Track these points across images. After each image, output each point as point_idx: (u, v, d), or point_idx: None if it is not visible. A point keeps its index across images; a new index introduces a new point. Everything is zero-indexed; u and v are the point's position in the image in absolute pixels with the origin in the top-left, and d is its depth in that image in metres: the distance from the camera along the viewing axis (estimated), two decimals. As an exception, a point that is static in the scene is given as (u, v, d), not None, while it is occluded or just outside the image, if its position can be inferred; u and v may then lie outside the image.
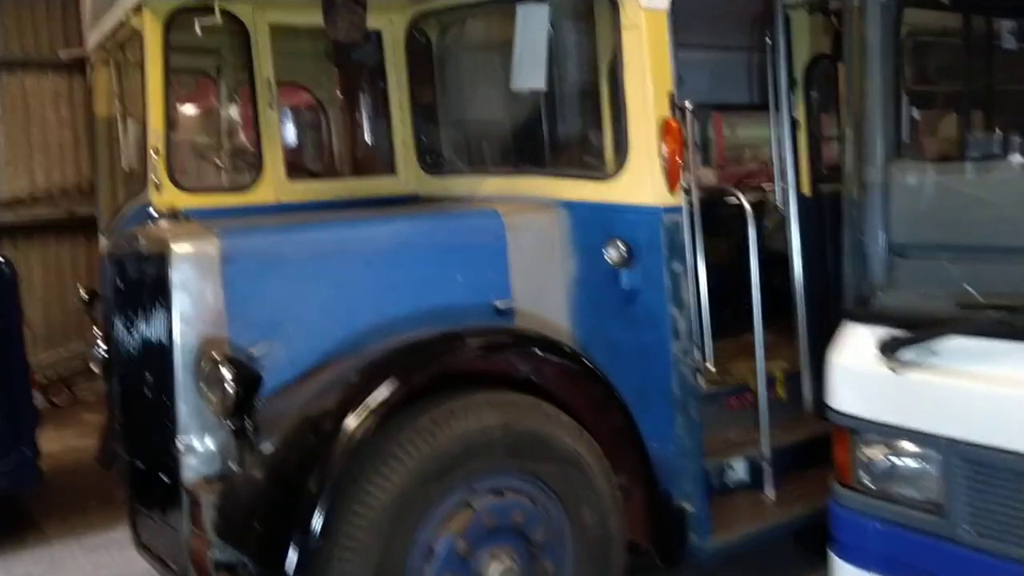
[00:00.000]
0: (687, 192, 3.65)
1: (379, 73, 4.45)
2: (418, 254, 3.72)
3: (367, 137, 4.76)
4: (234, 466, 3.17)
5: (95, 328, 4.76)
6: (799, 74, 4.59)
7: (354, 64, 4.66)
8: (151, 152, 3.86)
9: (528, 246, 3.87)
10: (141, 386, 3.75)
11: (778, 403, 4.41)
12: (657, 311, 3.58)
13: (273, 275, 3.51)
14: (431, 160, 4.45)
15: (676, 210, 3.57)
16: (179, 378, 3.39)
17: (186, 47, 4.53)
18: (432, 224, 3.83)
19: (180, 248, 3.40)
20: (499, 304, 3.82)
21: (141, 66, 3.92)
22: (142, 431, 3.79)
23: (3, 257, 5.92)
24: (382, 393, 3.00)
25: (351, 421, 2.94)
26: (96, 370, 4.34)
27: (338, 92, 4.94)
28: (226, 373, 3.05)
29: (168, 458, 3.52)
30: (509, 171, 4.16)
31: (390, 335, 3.63)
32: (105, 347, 4.33)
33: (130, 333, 3.82)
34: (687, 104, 3.62)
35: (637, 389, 3.60)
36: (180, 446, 3.39)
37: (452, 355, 3.19)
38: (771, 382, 4.36)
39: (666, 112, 3.53)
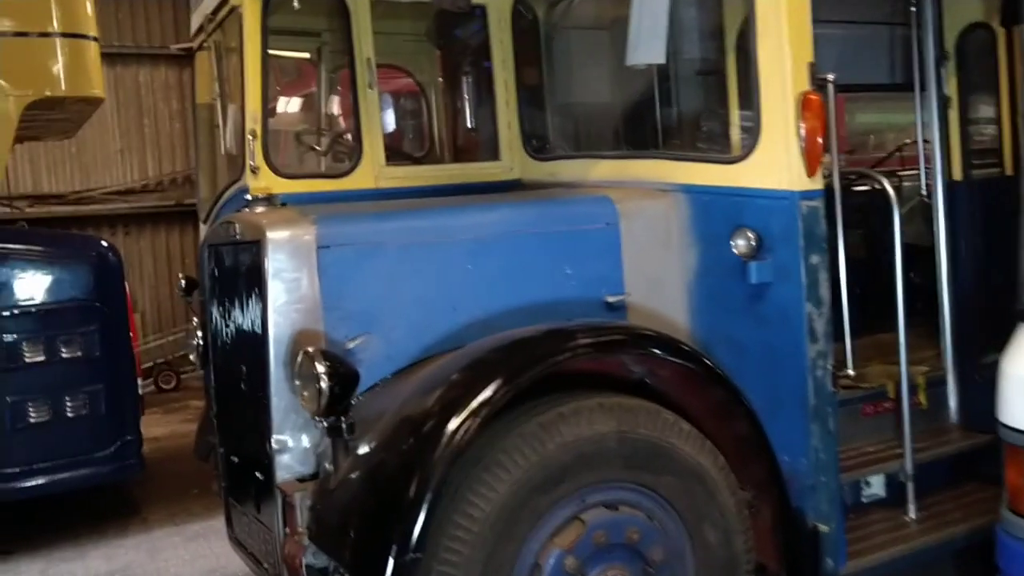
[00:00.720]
0: (826, 176, 3.27)
1: (483, 52, 4.19)
2: (524, 243, 3.45)
3: (469, 120, 4.51)
4: (329, 467, 2.96)
5: (192, 317, 4.67)
6: (951, 46, 4.13)
7: (457, 43, 4.42)
8: (248, 136, 3.70)
9: (643, 235, 3.55)
10: (236, 378, 3.60)
11: (919, 412, 3.99)
12: (791, 308, 3.21)
13: (371, 264, 3.30)
14: (537, 144, 4.16)
15: (815, 195, 3.18)
16: (273, 372, 3.21)
17: (286, 30, 4.38)
18: (539, 211, 3.55)
19: (275, 234, 3.22)
20: (610, 298, 3.52)
21: (240, 47, 3.77)
22: (237, 425, 3.65)
23: (108, 244, 5.93)
24: (485, 394, 2.74)
25: (452, 424, 2.69)
26: (193, 359, 4.23)
27: (440, 74, 4.70)
28: (321, 369, 2.84)
29: (262, 455, 3.35)
30: (621, 155, 3.84)
31: (493, 330, 3.38)
32: (201, 336, 4.21)
33: (225, 323, 3.68)
34: (829, 77, 3.23)
35: (766, 395, 3.24)
36: (274, 444, 3.21)
37: (561, 354, 2.89)
38: (912, 389, 3.94)
39: (806, 85, 3.15)
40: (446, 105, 4.65)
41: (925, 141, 4.26)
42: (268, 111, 3.74)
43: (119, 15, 11.82)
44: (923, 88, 4.18)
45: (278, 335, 3.21)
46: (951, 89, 4.15)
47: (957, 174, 4.09)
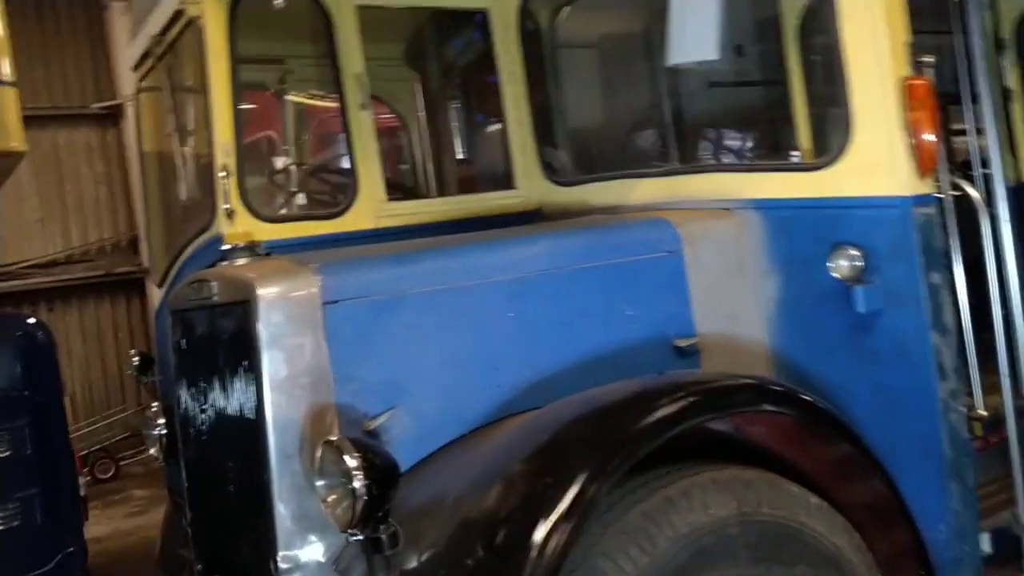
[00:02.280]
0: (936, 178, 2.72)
1: (487, 65, 3.58)
2: (574, 281, 2.81)
3: (474, 145, 3.87)
4: None
5: (150, 400, 3.90)
6: (1008, 32, 3.67)
7: (456, 55, 3.80)
8: (219, 173, 3.01)
9: (711, 263, 2.95)
10: (220, 477, 2.85)
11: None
12: (911, 340, 2.63)
13: (391, 320, 2.63)
14: (558, 167, 3.55)
15: (929, 200, 2.63)
16: (275, 470, 2.49)
17: (248, 57, 3.68)
18: (588, 241, 2.91)
19: (268, 290, 2.52)
20: (680, 342, 2.90)
21: (201, 68, 3.08)
22: (222, 536, 2.90)
23: (37, 321, 5.11)
24: (576, 486, 2.05)
25: (539, 532, 2.00)
26: (154, 453, 3.47)
27: (430, 94, 4.04)
28: (352, 464, 2.13)
29: (262, 575, 2.62)
30: (668, 171, 3.24)
31: (545, 392, 2.73)
32: (165, 424, 3.45)
33: (201, 407, 2.94)
34: (927, 59, 2.70)
35: (885, 449, 2.63)
36: (280, 562, 2.48)
37: (656, 424, 2.24)
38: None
39: (906, 69, 2.61)
40: (444, 128, 4.00)
41: (982, 140, 3.78)
42: (240, 137, 3.06)
43: (33, 72, 10.93)
44: (971, 80, 3.70)
45: (279, 420, 2.50)
46: (1014, 80, 3.68)
47: (1024, 175, 3.62)
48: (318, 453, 2.26)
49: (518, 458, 2.21)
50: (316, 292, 2.56)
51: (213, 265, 3.03)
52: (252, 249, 2.80)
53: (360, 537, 2.19)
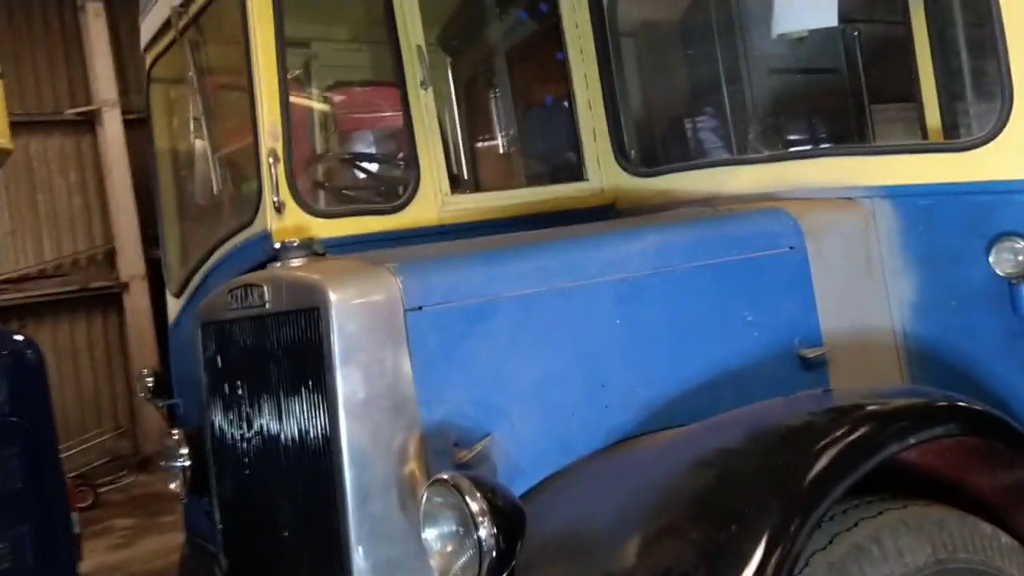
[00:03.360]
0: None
1: (552, 42, 3.16)
2: (688, 281, 2.41)
3: (536, 132, 3.44)
4: None
5: (168, 427, 3.44)
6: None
7: (520, 31, 3.38)
8: (267, 159, 2.56)
9: (837, 259, 2.56)
10: (270, 519, 2.41)
11: None
12: (1092, 346, 2.27)
13: (483, 329, 2.21)
14: (638, 155, 3.13)
15: (1111, 182, 2.27)
16: (351, 510, 2.06)
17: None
18: (700, 235, 2.51)
19: (343, 294, 2.09)
20: (807, 352, 2.50)
21: (244, 37, 2.61)
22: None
23: (25, 338, 4.61)
24: (759, 547, 1.63)
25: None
26: (176, 488, 3.01)
27: (493, 73, 3.56)
28: (475, 508, 1.71)
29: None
30: (773, 156, 2.84)
31: (659, 414, 2.34)
32: (188, 454, 2.99)
33: (245, 435, 2.49)
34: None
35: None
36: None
37: (847, 457, 1.82)
38: None
39: (1077, 29, 2.25)
40: (503, 112, 3.56)
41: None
42: (290, 125, 2.61)
43: (3, 78, 10.35)
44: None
45: (356, 451, 2.07)
46: None
47: None
48: (423, 494, 1.82)
49: (676, 503, 1.78)
50: (397, 297, 2.14)
51: (255, 269, 2.59)
52: (310, 247, 2.36)
53: (483, 601, 1.76)
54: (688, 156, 3.10)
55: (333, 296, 2.09)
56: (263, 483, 2.44)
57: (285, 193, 2.61)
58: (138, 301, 10.98)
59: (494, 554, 1.69)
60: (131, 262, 10.99)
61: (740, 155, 2.93)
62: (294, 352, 2.23)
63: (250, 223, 2.74)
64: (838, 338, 2.53)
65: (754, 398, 2.29)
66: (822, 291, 2.53)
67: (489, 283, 2.24)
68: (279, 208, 2.59)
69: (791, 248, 2.52)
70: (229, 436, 2.60)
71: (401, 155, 2.95)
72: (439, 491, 1.79)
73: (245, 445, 2.51)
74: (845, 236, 2.58)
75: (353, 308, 2.10)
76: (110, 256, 11.19)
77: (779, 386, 2.43)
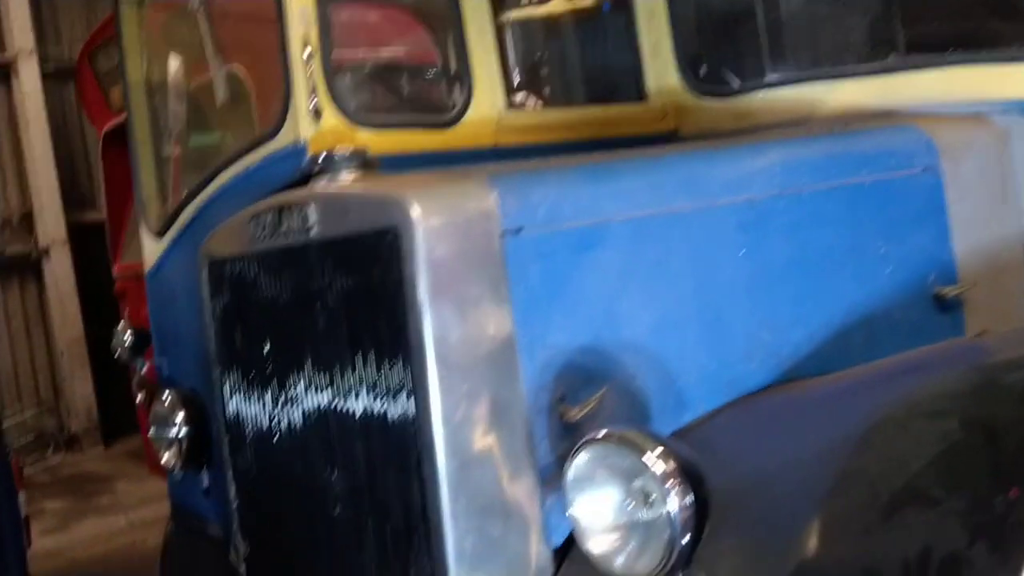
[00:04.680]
0: None
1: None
2: (817, 207, 2.02)
3: (595, 45, 2.94)
4: None
5: (148, 392, 2.93)
6: None
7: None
8: (299, 52, 2.04)
9: (972, 185, 2.21)
10: (312, 496, 1.95)
11: None
12: None
13: (592, 258, 1.78)
14: (708, 72, 2.70)
15: None
16: (444, 480, 1.63)
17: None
18: (828, 151, 2.11)
19: (429, 210, 1.64)
20: (943, 290, 2.15)
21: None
22: (315, 569, 1.99)
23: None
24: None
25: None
26: (169, 459, 2.51)
27: None
28: (662, 473, 1.28)
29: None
30: (882, 67, 2.45)
31: (788, 364, 1.96)
32: (187, 422, 2.50)
33: (274, 397, 2.02)
34: None
35: None
36: (457, 622, 1.62)
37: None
38: None
39: None
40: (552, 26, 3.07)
41: None
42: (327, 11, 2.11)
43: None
44: None
45: (449, 410, 1.63)
46: None
47: None
48: (579, 460, 1.39)
49: (900, 464, 1.38)
50: (495, 215, 1.69)
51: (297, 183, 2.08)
52: (364, 159, 1.89)
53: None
54: (769, 71, 2.69)
55: (416, 212, 1.64)
56: (301, 454, 1.98)
57: (323, 95, 2.12)
58: (60, 268, 10.15)
59: (689, 536, 1.28)
60: (51, 226, 10.14)
61: (839, 66, 2.54)
62: (355, 291, 1.77)
63: (272, 136, 2.23)
64: (974, 275, 2.18)
65: (886, 346, 1.94)
66: (957, 220, 2.18)
67: (597, 202, 1.81)
68: (317, 112, 2.10)
69: (925, 169, 2.15)
70: (250, 400, 2.12)
71: (452, 65, 2.48)
72: (602, 450, 1.36)
73: (274, 410, 2.04)
74: (980, 158, 2.23)
75: (442, 229, 1.65)
76: (27, 219, 10.30)
77: (913, 332, 2.09)
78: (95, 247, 9.34)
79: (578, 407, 1.73)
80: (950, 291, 2.14)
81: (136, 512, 7.03)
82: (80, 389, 10.02)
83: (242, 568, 2.24)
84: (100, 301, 9.77)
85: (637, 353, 1.82)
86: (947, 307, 2.15)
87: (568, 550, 1.74)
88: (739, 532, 1.44)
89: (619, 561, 1.34)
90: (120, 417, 9.74)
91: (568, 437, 1.76)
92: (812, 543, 1.35)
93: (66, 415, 10.15)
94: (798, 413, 1.70)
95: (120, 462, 9.18)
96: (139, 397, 5.28)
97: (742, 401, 1.86)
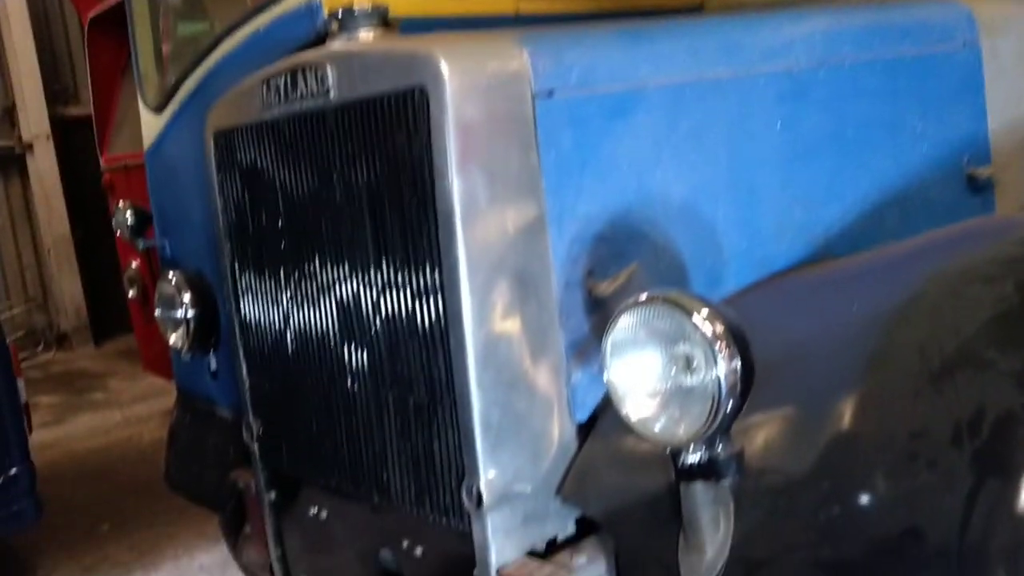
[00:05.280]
0: None
1: None
2: (856, 80, 1.95)
3: None
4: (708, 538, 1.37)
5: (139, 287, 2.87)
6: None
7: None
8: None
9: (1011, 64, 2.14)
10: (326, 371, 1.91)
11: None
12: None
13: (626, 126, 1.71)
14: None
15: None
16: (470, 350, 1.58)
17: None
18: (870, 22, 2.02)
19: (459, 68, 1.55)
20: (977, 171, 2.10)
21: None
22: (337, 454, 1.97)
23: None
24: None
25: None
26: (176, 342, 2.47)
27: None
28: (712, 334, 1.24)
29: (434, 510, 1.73)
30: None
31: (820, 241, 1.91)
32: (193, 304, 2.44)
33: (286, 272, 1.96)
34: None
35: None
36: (482, 491, 1.60)
37: None
38: None
39: None
40: None
41: None
42: None
43: None
44: None
45: (478, 278, 1.58)
46: None
47: None
48: (623, 322, 1.34)
49: (951, 327, 1.34)
50: (526, 75, 1.61)
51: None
52: (384, 16, 1.79)
53: (694, 459, 1.32)
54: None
55: (446, 70, 1.55)
56: (316, 332, 1.93)
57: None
58: (44, 164, 9.94)
59: (732, 401, 1.24)
60: (35, 121, 9.88)
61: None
62: (377, 157, 1.69)
63: (279, -2, 2.12)
64: (1006, 157, 2.13)
65: (918, 226, 1.89)
66: (993, 99, 2.12)
67: (633, 66, 1.72)
68: (333, -33, 1.99)
69: (965, 45, 2.07)
70: (262, 278, 2.06)
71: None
72: (646, 312, 1.31)
73: (288, 288, 1.98)
74: (1019, 36, 2.15)
75: (472, 88, 1.56)
76: (10, 114, 10.04)
77: (946, 213, 2.04)
78: (79, 143, 9.14)
79: (607, 281, 1.68)
80: (984, 172, 2.09)
81: (131, 408, 7.06)
82: (68, 287, 9.94)
83: (255, 447, 2.23)
84: (85, 201, 9.62)
85: (668, 227, 1.76)
86: (979, 189, 2.10)
87: (592, 426, 1.73)
88: (778, 401, 1.41)
89: (658, 427, 1.31)
90: (110, 317, 9.71)
91: (597, 312, 1.72)
92: (855, 409, 1.32)
93: (55, 313, 10.10)
94: (836, 287, 1.65)
95: (112, 360, 9.17)
96: (131, 292, 5.23)
97: (775, 277, 1.83)
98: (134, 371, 8.16)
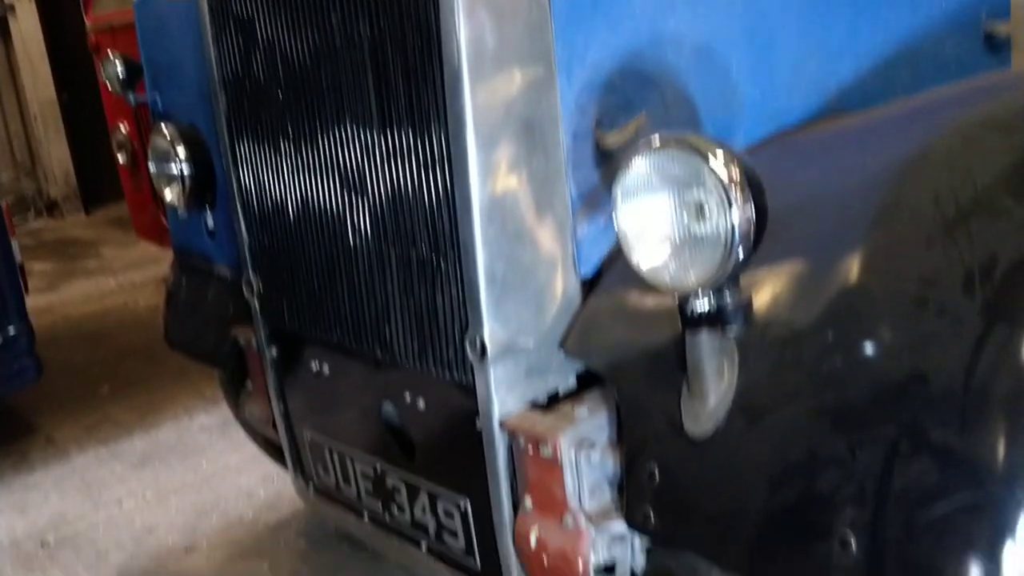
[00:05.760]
0: None
1: None
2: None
3: None
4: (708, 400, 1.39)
5: (129, 153, 2.82)
6: None
7: None
8: None
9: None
10: (325, 226, 1.89)
11: None
12: None
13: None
14: None
15: None
16: (475, 202, 1.56)
17: None
18: None
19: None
20: (996, 27, 2.03)
21: None
22: (337, 308, 1.97)
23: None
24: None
25: None
26: (172, 198, 2.43)
27: None
28: (728, 179, 1.21)
29: (437, 363, 1.75)
30: None
31: (833, 95, 1.86)
32: (188, 159, 2.39)
33: (289, 125, 1.91)
34: None
35: None
36: (486, 342, 1.61)
37: None
38: None
39: None
40: None
41: None
42: None
43: None
44: None
45: (484, 130, 1.54)
46: None
47: None
48: (636, 165, 1.31)
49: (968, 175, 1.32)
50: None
51: None
52: None
53: (702, 307, 1.32)
54: None
55: None
56: (317, 187, 1.89)
57: None
58: (27, 25, 9.62)
59: (744, 249, 1.23)
60: (14, -21, 9.54)
61: None
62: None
63: None
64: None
65: (933, 83, 1.84)
66: (1018, -49, 2.03)
67: None
68: None
69: None
70: (259, 132, 2.01)
71: None
72: (660, 156, 1.28)
73: (286, 140, 1.94)
74: None
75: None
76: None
77: (961, 70, 1.99)
78: (62, 3, 8.81)
79: (615, 132, 1.65)
80: (1002, 28, 2.02)
81: (125, 275, 7.06)
82: (56, 153, 9.79)
83: (255, 304, 2.23)
84: (71, 65, 9.35)
85: (680, 76, 1.71)
86: (997, 47, 2.04)
87: (597, 281, 1.73)
88: (788, 253, 1.40)
89: (668, 274, 1.30)
90: (99, 186, 9.60)
91: (604, 164, 1.69)
92: (865, 260, 1.31)
93: (44, 180, 9.98)
94: (850, 140, 1.62)
95: (103, 228, 9.13)
96: (120, 158, 5.14)
97: (788, 133, 1.79)
98: (126, 239, 8.13)
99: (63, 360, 4.97)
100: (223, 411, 3.92)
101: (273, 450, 2.73)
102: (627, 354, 1.55)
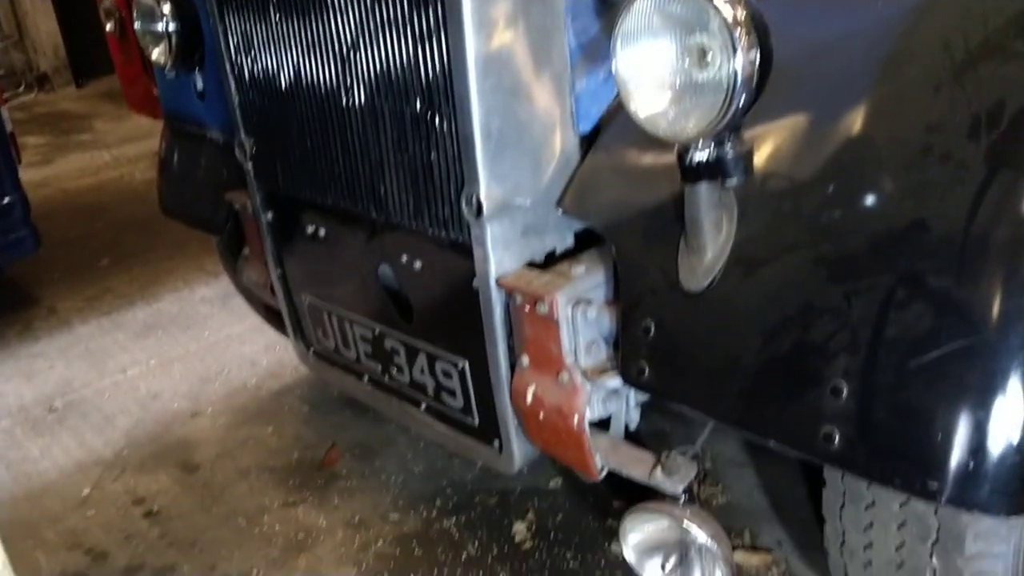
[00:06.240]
0: None
1: None
2: None
3: None
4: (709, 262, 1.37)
5: (117, 21, 2.72)
6: None
7: None
8: None
9: None
10: (324, 91, 1.84)
11: None
12: None
13: None
14: None
15: None
16: (471, 62, 1.51)
17: None
18: None
19: None
20: None
21: None
22: (327, 168, 1.94)
23: None
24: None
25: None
26: (159, 57, 2.36)
27: None
28: (732, 19, 1.16)
29: (434, 224, 1.74)
30: None
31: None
32: (174, 16, 2.31)
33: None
34: None
35: None
36: (482, 200, 1.59)
37: None
38: None
39: None
40: None
41: None
42: None
43: None
44: None
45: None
46: None
47: None
48: (636, 7, 1.25)
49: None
50: None
51: None
52: None
53: (701, 157, 1.29)
54: None
55: None
56: (309, 49, 1.83)
57: None
58: None
59: (746, 95, 1.19)
60: None
61: None
62: None
63: None
64: None
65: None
66: None
67: None
68: None
69: None
70: (246, -22, 1.93)
71: None
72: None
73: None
74: None
75: None
76: None
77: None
78: None
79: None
80: None
81: (119, 149, 6.98)
82: (44, 25, 9.52)
83: (248, 165, 2.19)
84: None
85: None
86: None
87: (595, 138, 1.69)
88: (791, 104, 1.36)
89: (667, 122, 1.26)
90: (90, 57, 9.38)
91: (604, 14, 1.63)
92: (871, 108, 1.28)
93: (33, 52, 9.74)
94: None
95: (95, 102, 8.97)
96: (108, 26, 4.98)
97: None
98: (119, 112, 8.00)
99: (61, 234, 4.96)
100: (224, 284, 3.94)
101: (273, 317, 2.75)
102: (625, 212, 1.53)
